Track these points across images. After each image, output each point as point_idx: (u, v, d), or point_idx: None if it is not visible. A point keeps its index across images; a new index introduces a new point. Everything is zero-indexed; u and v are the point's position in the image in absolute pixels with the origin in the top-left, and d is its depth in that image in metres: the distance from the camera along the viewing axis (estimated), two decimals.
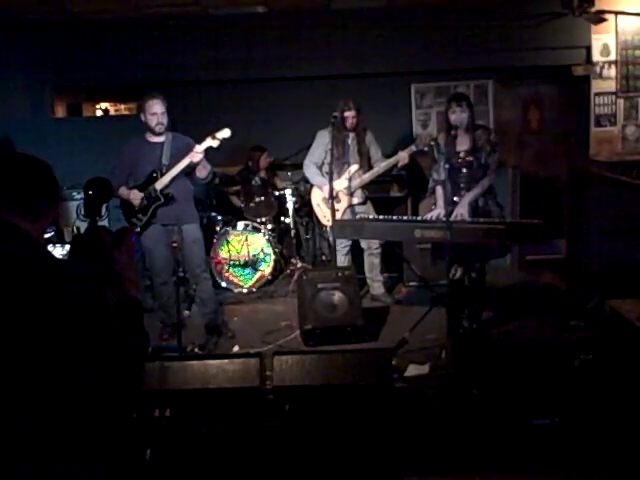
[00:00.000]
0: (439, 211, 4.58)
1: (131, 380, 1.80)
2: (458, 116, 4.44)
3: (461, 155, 4.53)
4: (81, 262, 1.86)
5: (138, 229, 4.67)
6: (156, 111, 4.60)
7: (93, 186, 2.03)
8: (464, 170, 4.52)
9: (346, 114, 5.25)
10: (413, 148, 5.15)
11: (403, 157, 5.20)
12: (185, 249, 4.71)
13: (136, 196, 4.65)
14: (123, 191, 4.69)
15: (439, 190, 4.62)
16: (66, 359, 1.63)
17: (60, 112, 7.34)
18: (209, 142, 4.58)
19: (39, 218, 1.78)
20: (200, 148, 4.54)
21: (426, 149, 5.10)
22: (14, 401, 1.60)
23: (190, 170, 4.65)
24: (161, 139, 4.70)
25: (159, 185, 4.62)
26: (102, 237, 1.90)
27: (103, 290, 1.78)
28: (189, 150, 4.59)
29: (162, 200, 4.63)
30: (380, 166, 5.33)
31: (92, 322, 1.67)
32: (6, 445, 1.58)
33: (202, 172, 4.68)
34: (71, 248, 1.92)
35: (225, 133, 4.60)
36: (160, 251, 4.72)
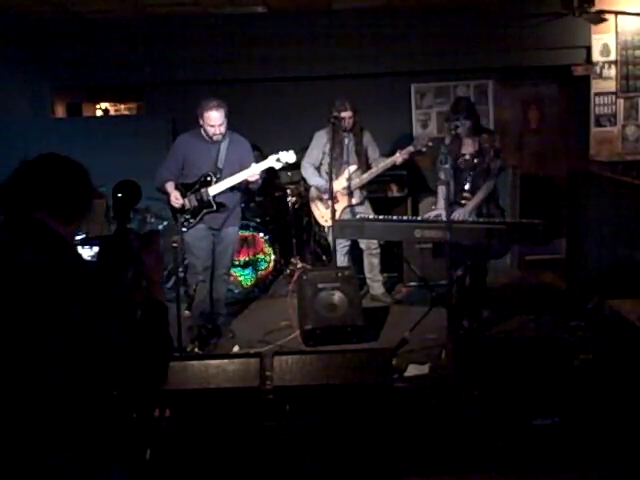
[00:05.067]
0: (439, 212, 4.57)
1: (154, 381, 1.82)
2: (460, 128, 4.42)
3: (466, 158, 4.53)
4: (109, 265, 1.86)
5: (185, 229, 4.61)
6: (214, 123, 4.48)
7: (122, 189, 2.01)
8: (468, 173, 4.52)
9: (343, 114, 5.22)
10: (411, 149, 5.13)
11: (401, 158, 5.17)
12: (220, 248, 4.74)
13: (178, 199, 4.55)
14: (169, 187, 4.60)
15: (441, 190, 4.62)
16: (91, 361, 1.65)
17: (60, 112, 7.34)
18: (272, 163, 4.55)
19: (73, 221, 1.78)
20: (258, 170, 4.50)
21: (424, 150, 5.09)
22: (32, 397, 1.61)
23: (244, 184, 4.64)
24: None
25: (212, 191, 4.56)
26: (130, 240, 1.90)
27: (130, 293, 1.79)
28: (245, 158, 4.58)
29: (214, 208, 4.60)
30: (378, 166, 5.31)
31: (117, 324, 1.68)
32: (16, 441, 1.60)
33: (254, 185, 4.68)
34: (100, 250, 1.91)
35: (290, 158, 4.56)
36: (201, 249, 4.69)
